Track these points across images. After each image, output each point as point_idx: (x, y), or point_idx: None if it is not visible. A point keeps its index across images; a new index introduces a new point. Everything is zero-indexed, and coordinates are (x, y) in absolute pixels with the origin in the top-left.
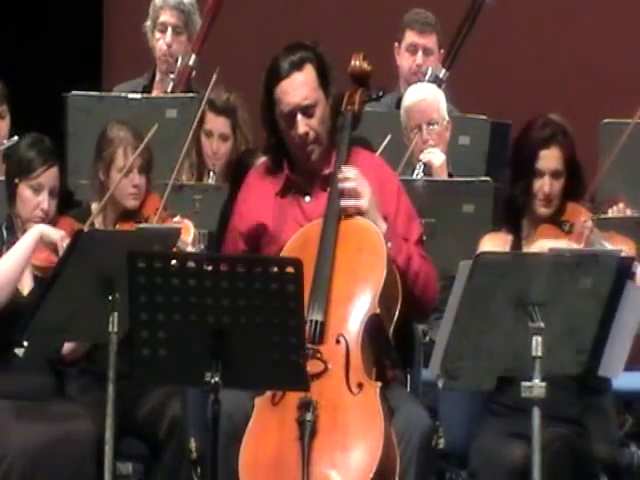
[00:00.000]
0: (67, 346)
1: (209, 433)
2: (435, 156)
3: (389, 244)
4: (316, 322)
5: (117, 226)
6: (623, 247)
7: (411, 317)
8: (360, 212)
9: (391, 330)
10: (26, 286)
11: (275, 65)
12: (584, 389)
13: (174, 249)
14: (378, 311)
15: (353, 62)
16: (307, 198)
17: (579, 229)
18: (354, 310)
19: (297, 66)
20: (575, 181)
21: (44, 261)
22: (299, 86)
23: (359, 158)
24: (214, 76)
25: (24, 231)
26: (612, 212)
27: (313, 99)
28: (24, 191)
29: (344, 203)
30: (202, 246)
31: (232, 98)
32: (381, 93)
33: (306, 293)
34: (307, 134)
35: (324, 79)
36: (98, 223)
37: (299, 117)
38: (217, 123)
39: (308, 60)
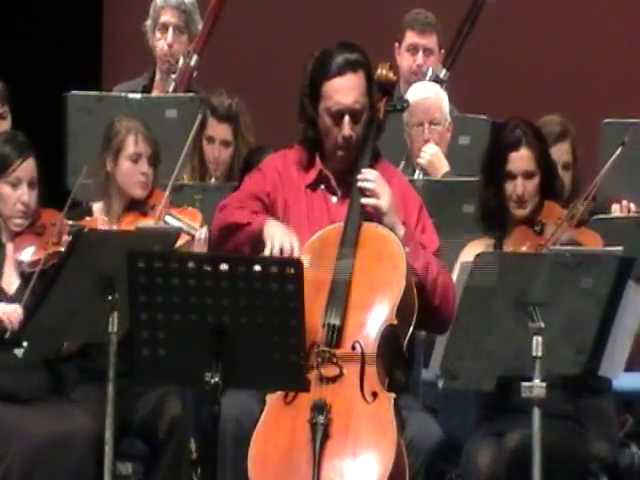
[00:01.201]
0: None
1: (209, 434)
2: (424, 153)
3: (407, 249)
4: (333, 326)
5: (122, 217)
6: (590, 243)
7: (429, 328)
8: (379, 212)
9: (406, 341)
10: (13, 285)
11: (329, 59)
12: (583, 389)
13: (186, 236)
14: (395, 322)
15: (379, 71)
16: (334, 198)
17: (551, 229)
18: (371, 318)
19: (353, 67)
20: (550, 179)
21: (29, 256)
22: (352, 88)
23: (383, 168)
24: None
25: (8, 230)
26: (615, 209)
27: (362, 104)
28: (3, 189)
29: (364, 200)
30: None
31: (234, 104)
32: (406, 104)
33: (324, 296)
34: (350, 137)
35: (371, 88)
36: (104, 214)
37: (347, 119)
38: (219, 130)
39: (362, 65)
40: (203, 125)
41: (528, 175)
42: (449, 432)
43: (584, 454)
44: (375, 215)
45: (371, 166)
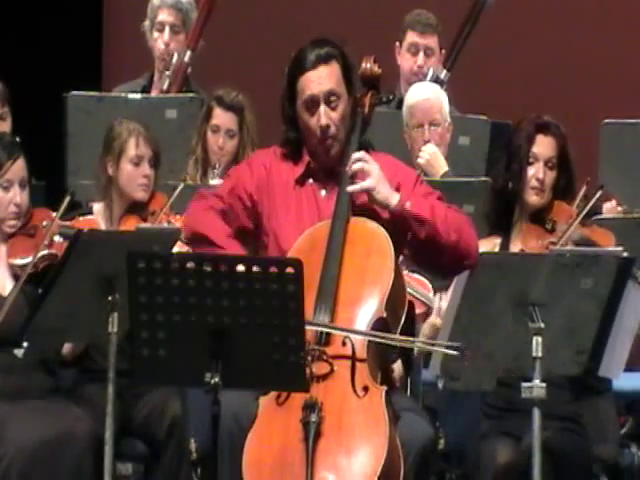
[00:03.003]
0: (66, 346)
1: (209, 434)
2: (423, 153)
3: (408, 204)
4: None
5: (123, 221)
6: (603, 240)
7: (459, 269)
8: (369, 190)
9: (397, 334)
10: (6, 287)
11: (301, 56)
12: (583, 389)
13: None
14: (384, 315)
15: (364, 65)
16: (323, 192)
17: (562, 228)
18: (361, 313)
19: (324, 59)
20: (565, 179)
21: (22, 259)
22: (324, 77)
23: (373, 157)
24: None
25: (1, 232)
26: (605, 208)
27: (337, 91)
28: None
29: (350, 189)
30: None
31: (240, 96)
32: (391, 97)
33: (313, 295)
34: (328, 127)
35: (348, 78)
36: (104, 216)
37: (322, 108)
38: (224, 119)
39: (334, 57)
40: (208, 115)
41: (550, 164)
42: (450, 432)
43: (585, 455)
44: (367, 194)
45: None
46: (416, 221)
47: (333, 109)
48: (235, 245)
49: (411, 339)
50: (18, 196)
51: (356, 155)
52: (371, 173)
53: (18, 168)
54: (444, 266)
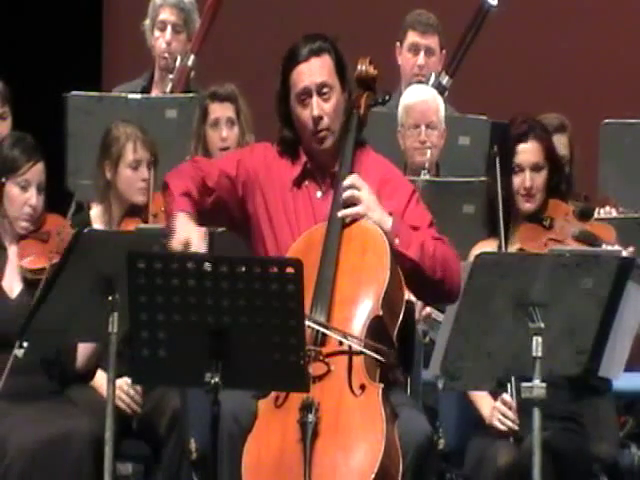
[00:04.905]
0: (81, 358)
1: (209, 434)
2: None
3: (397, 240)
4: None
5: (123, 224)
6: (605, 234)
7: (440, 301)
8: (361, 217)
9: (395, 332)
10: (15, 289)
11: (293, 51)
12: (583, 389)
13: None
14: (381, 313)
15: (359, 67)
16: (319, 193)
17: (560, 224)
18: (357, 312)
19: (316, 53)
20: (557, 177)
21: (33, 264)
22: (317, 69)
23: (366, 158)
24: None
25: (12, 232)
26: (601, 213)
27: (330, 82)
28: (11, 189)
29: (340, 214)
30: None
31: (232, 86)
32: (387, 97)
33: (310, 295)
34: (321, 118)
35: (340, 71)
36: (103, 219)
37: (314, 99)
38: (222, 110)
39: (327, 50)
40: (204, 115)
41: (536, 168)
42: (450, 432)
43: (585, 455)
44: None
45: (354, 157)
46: (403, 258)
47: (326, 100)
48: (184, 202)
49: None
50: (34, 198)
51: (347, 182)
52: (362, 200)
53: (37, 171)
54: (424, 296)
